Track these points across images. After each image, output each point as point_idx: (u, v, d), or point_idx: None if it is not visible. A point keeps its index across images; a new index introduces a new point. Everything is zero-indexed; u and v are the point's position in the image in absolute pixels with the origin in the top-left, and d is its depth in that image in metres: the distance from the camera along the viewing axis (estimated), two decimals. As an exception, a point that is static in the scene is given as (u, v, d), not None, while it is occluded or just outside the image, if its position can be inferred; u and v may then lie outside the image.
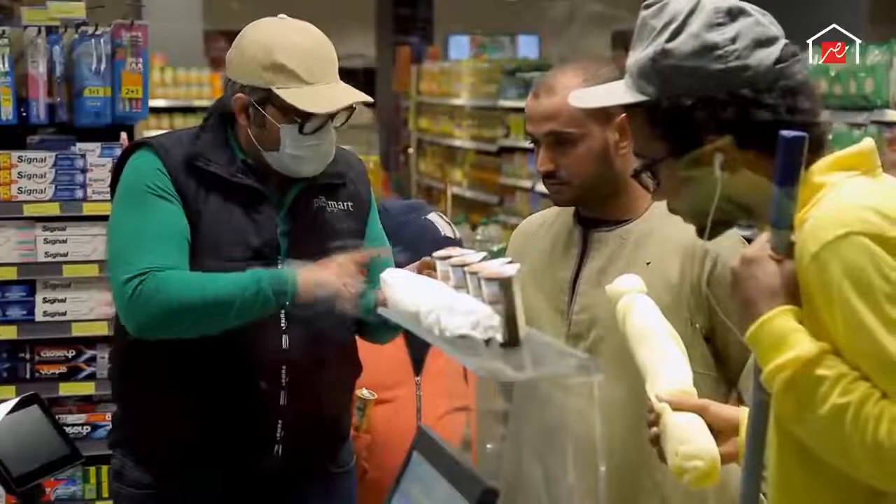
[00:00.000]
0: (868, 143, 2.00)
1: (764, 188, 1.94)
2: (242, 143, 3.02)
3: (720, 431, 2.17)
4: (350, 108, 2.99)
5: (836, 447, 1.84)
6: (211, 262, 2.91)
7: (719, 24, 1.98)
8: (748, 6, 2.03)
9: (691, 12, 2.00)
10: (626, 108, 2.06)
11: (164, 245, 2.89)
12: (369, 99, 3.01)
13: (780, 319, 1.86)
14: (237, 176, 2.97)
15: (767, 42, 1.99)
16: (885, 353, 1.80)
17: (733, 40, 1.98)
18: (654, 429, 2.18)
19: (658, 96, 1.99)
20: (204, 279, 2.85)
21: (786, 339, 1.85)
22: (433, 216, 3.56)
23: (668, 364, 2.23)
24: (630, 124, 2.09)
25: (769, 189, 1.92)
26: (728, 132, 1.97)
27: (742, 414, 2.20)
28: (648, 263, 2.71)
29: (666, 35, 1.99)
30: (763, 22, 2.02)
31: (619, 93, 2.05)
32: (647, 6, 2.06)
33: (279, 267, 2.93)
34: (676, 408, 2.16)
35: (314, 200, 3.05)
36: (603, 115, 2.71)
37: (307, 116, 2.93)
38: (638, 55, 2.03)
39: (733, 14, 2.00)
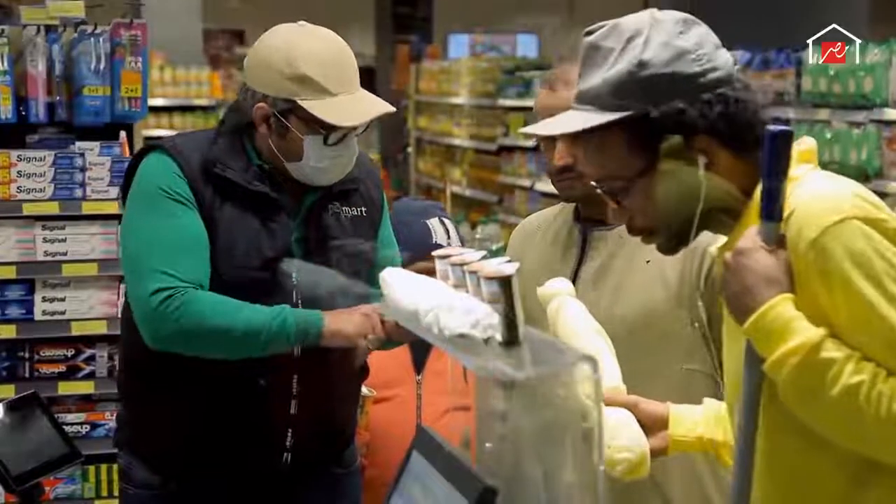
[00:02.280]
0: (811, 141, 2.10)
1: (735, 188, 2.05)
2: (262, 151, 2.98)
3: (649, 426, 2.27)
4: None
5: (847, 426, 1.90)
6: (225, 268, 2.90)
7: (681, 33, 2.06)
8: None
9: (651, 26, 2.06)
10: (590, 132, 2.07)
11: (188, 255, 2.87)
12: (393, 109, 2.99)
13: (782, 307, 1.91)
14: (254, 183, 2.95)
15: (720, 46, 2.09)
16: (893, 329, 1.87)
17: (699, 45, 2.05)
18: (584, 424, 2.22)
19: (645, 107, 2.02)
20: (232, 307, 2.84)
21: (790, 325, 1.90)
22: (433, 221, 3.55)
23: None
24: (596, 148, 2.09)
25: (741, 188, 2.04)
26: (710, 132, 2.03)
27: (670, 409, 2.31)
28: (648, 262, 2.71)
29: (636, 49, 2.04)
30: (710, 30, 2.11)
31: (593, 116, 2.06)
32: (590, 32, 2.11)
33: (291, 273, 2.93)
34: (608, 403, 2.21)
35: (329, 206, 3.03)
36: None
37: (332, 128, 2.90)
38: (604, 75, 2.05)
39: (688, 23, 2.09)
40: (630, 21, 2.08)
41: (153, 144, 3.05)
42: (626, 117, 2.03)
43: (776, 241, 1.94)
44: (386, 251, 3.07)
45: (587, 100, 2.08)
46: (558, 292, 2.39)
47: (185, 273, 2.85)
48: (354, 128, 2.92)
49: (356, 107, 2.91)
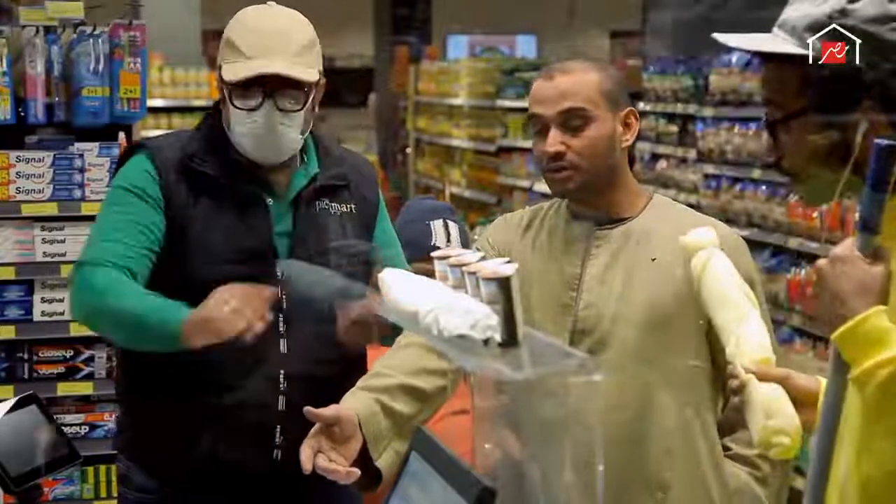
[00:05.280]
0: None
1: None
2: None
3: (800, 401, 2.20)
4: (303, 91, 2.94)
5: None
6: (203, 264, 2.91)
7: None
8: None
9: None
10: (773, 58, 2.10)
11: (116, 237, 2.89)
12: (301, 77, 2.93)
13: (878, 318, 1.90)
14: (231, 176, 2.97)
15: None
16: None
17: None
18: (738, 398, 2.20)
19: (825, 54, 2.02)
20: (130, 290, 2.81)
21: (886, 336, 1.89)
22: (437, 222, 3.55)
23: (749, 329, 2.26)
24: (772, 75, 2.12)
25: None
26: (880, 101, 2.01)
27: (821, 384, 2.23)
28: (654, 260, 2.72)
29: None
30: None
31: (777, 43, 2.08)
32: None
33: (277, 268, 2.93)
34: (760, 378, 2.18)
35: (316, 202, 3.04)
36: (613, 104, 2.75)
37: (235, 90, 2.93)
38: (808, 10, 2.06)
39: None
40: None
41: (136, 144, 3.10)
42: (805, 56, 2.03)
43: (872, 254, 1.93)
44: (386, 251, 3.07)
45: (786, 28, 2.09)
46: (703, 244, 2.35)
47: (102, 254, 2.87)
48: (268, 96, 2.91)
49: (257, 67, 2.91)
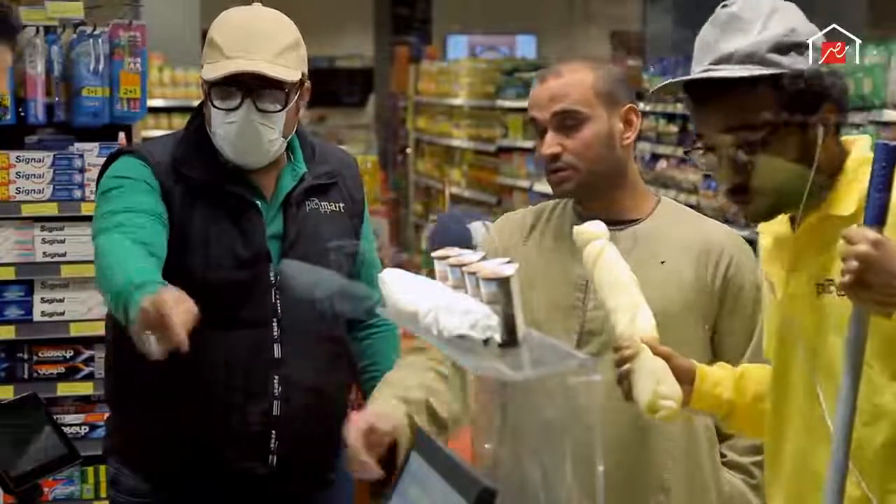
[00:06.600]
0: None
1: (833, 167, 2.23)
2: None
3: (679, 379, 2.36)
4: (283, 91, 2.91)
5: None
6: (200, 269, 2.90)
7: (803, 19, 2.29)
8: None
9: (784, 6, 2.29)
10: (736, 83, 2.22)
11: (135, 206, 2.84)
12: (276, 76, 2.90)
13: None
14: (219, 179, 2.95)
15: None
16: None
17: (815, 31, 2.28)
18: (627, 365, 2.33)
19: (798, 66, 2.22)
20: (123, 256, 2.70)
21: None
22: (476, 224, 3.82)
23: (643, 313, 2.37)
24: (742, 99, 2.23)
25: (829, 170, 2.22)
26: (837, 102, 2.24)
27: (696, 366, 2.42)
28: (663, 262, 2.72)
29: (785, 19, 2.25)
30: None
31: (752, 69, 2.23)
32: (725, 5, 2.31)
33: (271, 272, 2.93)
34: (654, 351, 2.33)
35: (306, 203, 3.02)
36: (610, 102, 2.75)
37: (215, 89, 2.91)
38: (756, 38, 2.23)
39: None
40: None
41: (122, 150, 3.06)
42: (785, 72, 2.21)
43: None
44: (368, 248, 3.10)
45: (735, 59, 2.24)
46: (597, 235, 2.43)
47: (127, 218, 2.82)
48: (247, 95, 2.89)
49: (234, 66, 2.89)
